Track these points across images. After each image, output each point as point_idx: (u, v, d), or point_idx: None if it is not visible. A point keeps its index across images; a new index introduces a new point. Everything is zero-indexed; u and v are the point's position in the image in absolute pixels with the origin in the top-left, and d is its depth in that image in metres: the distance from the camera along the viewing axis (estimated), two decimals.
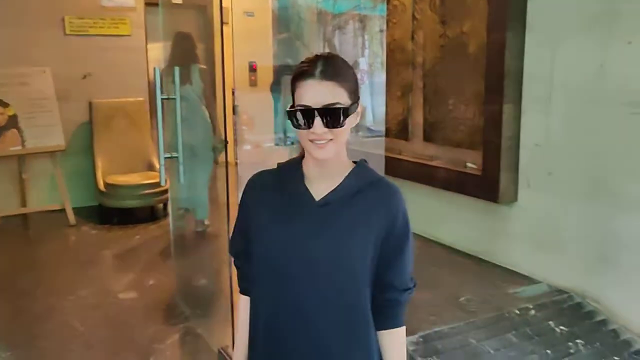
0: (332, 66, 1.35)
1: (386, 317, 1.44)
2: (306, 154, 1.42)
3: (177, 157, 2.92)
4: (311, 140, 1.34)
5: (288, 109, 1.37)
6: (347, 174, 1.41)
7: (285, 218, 1.40)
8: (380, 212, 1.40)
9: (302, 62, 1.37)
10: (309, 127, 1.32)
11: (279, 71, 5.27)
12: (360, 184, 1.42)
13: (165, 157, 2.89)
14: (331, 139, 1.34)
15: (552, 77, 3.29)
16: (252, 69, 5.21)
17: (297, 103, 1.35)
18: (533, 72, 3.40)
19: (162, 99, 2.87)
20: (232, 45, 4.30)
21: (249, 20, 5.56)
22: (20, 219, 4.95)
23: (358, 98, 1.37)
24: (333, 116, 1.32)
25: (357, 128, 5.76)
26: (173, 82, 3.03)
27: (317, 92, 1.33)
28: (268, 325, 1.41)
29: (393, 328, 1.45)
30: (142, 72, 5.45)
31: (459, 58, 3.83)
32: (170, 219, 3.38)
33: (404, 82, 4.35)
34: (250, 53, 5.42)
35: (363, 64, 5.43)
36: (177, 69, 2.98)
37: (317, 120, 1.31)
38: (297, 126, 1.35)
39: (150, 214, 4.98)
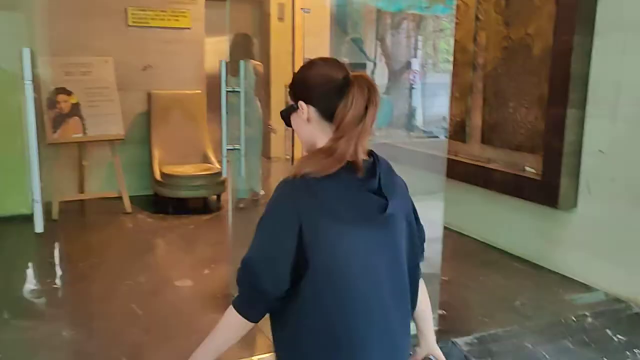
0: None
1: None
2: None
3: (238, 149, 2.97)
4: None
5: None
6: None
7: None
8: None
9: None
10: None
11: None
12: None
13: (228, 149, 2.93)
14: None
15: (619, 82, 3.22)
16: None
17: None
18: (600, 76, 3.32)
19: (227, 91, 2.92)
20: (292, 41, 4.34)
21: (306, 17, 5.60)
22: (78, 204, 5.09)
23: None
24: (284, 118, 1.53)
25: (409, 128, 5.69)
26: (234, 75, 3.08)
27: None
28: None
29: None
30: (200, 64, 5.54)
31: (522, 60, 3.77)
32: (229, 208, 3.43)
33: (464, 83, 4.31)
34: (306, 49, 5.46)
35: (415, 64, 5.39)
36: (242, 63, 3.02)
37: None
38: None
39: (204, 205, 5.06)
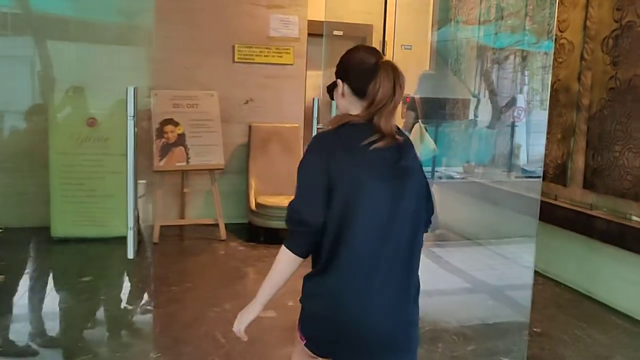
0: None
1: None
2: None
3: None
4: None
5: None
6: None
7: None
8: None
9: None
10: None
11: (428, 103, 5.25)
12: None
13: None
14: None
15: None
16: (405, 101, 5.25)
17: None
18: None
19: (317, 128, 2.97)
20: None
21: (407, 53, 5.61)
22: (177, 229, 5.34)
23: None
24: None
25: (510, 168, 5.52)
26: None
27: None
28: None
29: None
30: (300, 99, 5.68)
31: (630, 102, 3.56)
32: None
33: (566, 124, 4.12)
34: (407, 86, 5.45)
35: (521, 101, 5.23)
36: (334, 102, 3.06)
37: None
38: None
39: None
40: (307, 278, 1.72)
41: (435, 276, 4.22)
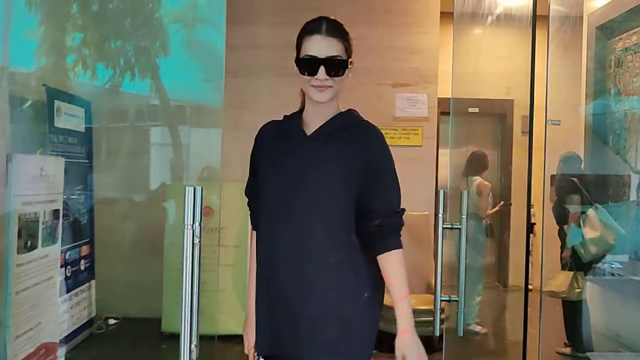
0: (335, 25, 1.70)
1: (380, 242, 1.72)
2: (306, 101, 1.77)
3: (456, 301, 2.37)
4: (313, 86, 1.68)
5: (299, 58, 1.69)
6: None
7: (283, 154, 1.73)
8: (359, 146, 1.72)
9: (309, 22, 1.71)
10: (314, 74, 1.67)
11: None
12: (345, 123, 1.76)
13: (442, 299, 2.37)
14: (330, 86, 1.69)
15: None
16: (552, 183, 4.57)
17: (303, 54, 1.69)
18: None
19: (443, 228, 2.39)
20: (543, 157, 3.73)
21: (553, 129, 4.91)
22: None
23: (351, 54, 1.72)
24: (334, 66, 1.66)
25: None
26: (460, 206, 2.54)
27: (322, 46, 1.66)
28: (269, 249, 1.73)
29: (387, 251, 1.72)
30: (430, 184, 5.11)
31: None
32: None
33: None
34: (554, 164, 4.74)
35: None
36: (465, 193, 2.47)
37: (322, 69, 1.66)
38: (303, 73, 1.68)
39: (426, 345, 4.42)
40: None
41: None
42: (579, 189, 4.25)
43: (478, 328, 4.73)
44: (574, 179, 4.30)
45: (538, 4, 2.57)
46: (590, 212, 4.12)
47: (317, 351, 1.71)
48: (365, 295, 1.75)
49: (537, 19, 2.71)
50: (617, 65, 4.70)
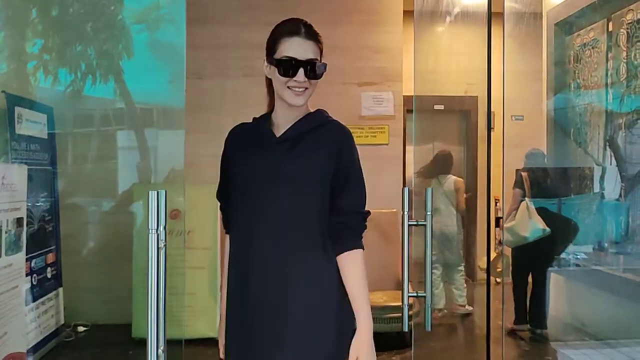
0: (311, 29, 1.72)
1: (340, 241, 1.74)
2: (277, 103, 1.78)
3: (424, 297, 2.40)
4: (289, 88, 1.69)
5: (277, 58, 1.69)
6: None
7: (253, 156, 1.75)
8: (328, 146, 1.73)
9: (285, 23, 1.73)
10: (293, 76, 1.67)
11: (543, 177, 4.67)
12: (314, 124, 1.77)
13: (410, 295, 2.39)
14: (306, 88, 1.71)
15: None
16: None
17: (281, 55, 1.68)
18: None
19: (409, 225, 2.42)
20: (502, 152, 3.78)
21: (517, 124, 5.00)
22: None
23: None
24: (313, 69, 1.68)
25: None
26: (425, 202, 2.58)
27: (302, 48, 1.68)
28: (242, 251, 1.74)
29: (347, 251, 1.74)
30: (397, 181, 5.16)
31: None
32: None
33: None
34: (518, 160, 4.84)
35: None
36: (429, 191, 2.51)
37: (301, 71, 1.67)
38: (281, 74, 1.68)
39: (397, 340, 4.46)
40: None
41: None
42: (522, 184, 4.53)
43: (470, 308, 5.12)
44: (523, 173, 4.54)
45: (493, 2, 2.61)
46: (522, 204, 4.43)
47: (291, 351, 1.71)
48: (340, 293, 1.74)
49: (495, 16, 2.76)
50: (576, 61, 4.81)
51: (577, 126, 4.88)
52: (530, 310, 4.64)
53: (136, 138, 5.07)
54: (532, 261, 4.61)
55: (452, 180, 5.06)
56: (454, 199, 4.95)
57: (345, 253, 1.73)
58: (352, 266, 1.73)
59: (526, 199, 4.48)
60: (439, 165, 5.07)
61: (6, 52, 4.23)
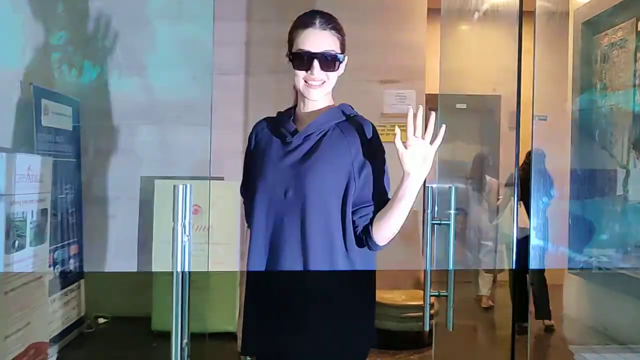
0: (329, 19, 1.69)
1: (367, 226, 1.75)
2: (299, 97, 1.78)
3: (445, 296, 2.39)
4: (306, 82, 1.69)
5: (292, 52, 1.68)
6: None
7: (277, 151, 1.74)
8: (352, 139, 1.73)
9: (302, 15, 1.69)
10: (308, 70, 1.66)
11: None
12: (337, 118, 1.76)
13: (432, 295, 2.38)
14: (324, 82, 1.70)
15: None
16: None
17: (296, 48, 1.67)
18: None
19: (432, 223, 2.40)
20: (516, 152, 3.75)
21: (539, 124, 4.95)
22: None
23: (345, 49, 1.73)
24: (329, 61, 1.66)
25: None
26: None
27: (316, 40, 1.64)
28: (264, 247, 1.74)
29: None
30: None
31: None
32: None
33: None
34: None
35: None
36: (453, 189, 2.49)
37: (316, 64, 1.65)
38: (297, 67, 1.68)
39: (415, 340, 4.45)
40: None
41: None
42: (511, 184, 4.69)
43: (492, 304, 5.29)
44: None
45: (524, 0, 2.58)
46: (510, 203, 4.71)
47: (311, 340, 1.72)
48: (362, 287, 1.80)
49: (524, 14, 2.73)
50: (603, 61, 4.74)
51: (602, 127, 4.82)
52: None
53: (159, 133, 5.10)
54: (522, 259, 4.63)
55: (488, 180, 5.23)
56: (490, 199, 5.13)
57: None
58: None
59: (512, 198, 4.64)
60: (478, 167, 5.28)
61: (34, 45, 4.28)
